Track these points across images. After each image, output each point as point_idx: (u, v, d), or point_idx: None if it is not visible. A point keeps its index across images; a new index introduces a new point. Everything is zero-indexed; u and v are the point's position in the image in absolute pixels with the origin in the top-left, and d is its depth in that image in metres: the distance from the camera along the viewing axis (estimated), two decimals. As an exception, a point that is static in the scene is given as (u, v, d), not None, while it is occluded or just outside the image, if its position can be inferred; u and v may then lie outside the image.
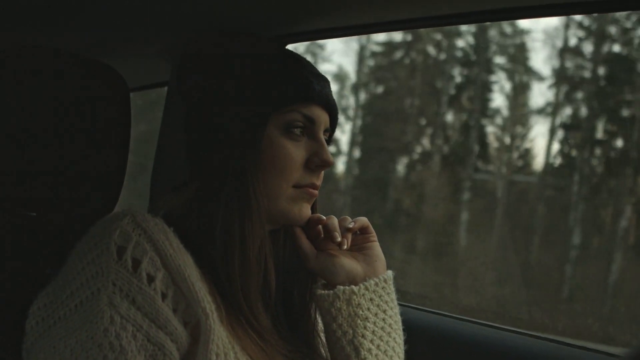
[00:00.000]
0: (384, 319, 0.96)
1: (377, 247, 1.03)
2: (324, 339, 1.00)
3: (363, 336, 0.94)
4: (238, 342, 0.86)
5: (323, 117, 0.98)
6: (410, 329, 1.02)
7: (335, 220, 1.01)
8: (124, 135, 1.11)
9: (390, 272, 1.01)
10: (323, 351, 1.01)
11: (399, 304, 1.02)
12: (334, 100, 0.99)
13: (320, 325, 1.02)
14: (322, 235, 1.01)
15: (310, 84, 0.95)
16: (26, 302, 0.83)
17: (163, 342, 0.80)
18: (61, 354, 0.77)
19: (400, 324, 1.00)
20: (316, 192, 0.98)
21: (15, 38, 1.45)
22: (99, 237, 0.82)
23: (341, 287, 0.95)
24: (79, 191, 1.07)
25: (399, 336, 0.98)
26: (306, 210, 0.98)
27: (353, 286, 0.96)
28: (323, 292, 0.96)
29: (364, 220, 1.03)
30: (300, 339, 1.00)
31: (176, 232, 0.86)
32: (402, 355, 0.98)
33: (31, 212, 1.07)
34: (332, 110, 0.99)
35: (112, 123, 1.09)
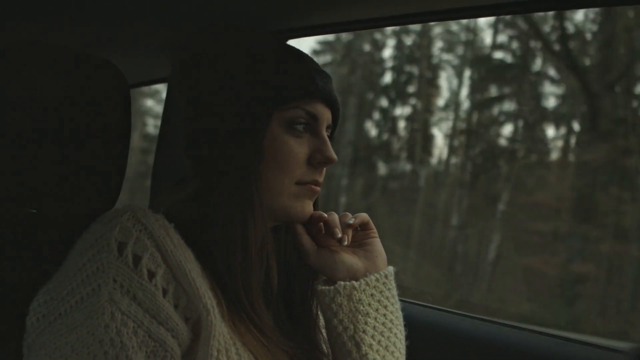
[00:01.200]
0: (385, 315, 0.96)
1: (377, 243, 1.02)
2: (325, 335, 1.00)
3: (364, 332, 0.93)
4: (239, 338, 0.86)
5: (325, 114, 0.97)
6: (411, 324, 1.02)
7: (335, 217, 1.00)
8: (124, 131, 1.10)
9: (391, 268, 1.01)
10: (324, 347, 1.01)
11: (400, 300, 1.01)
12: (335, 96, 0.99)
13: (321, 321, 1.02)
14: (323, 232, 1.00)
15: (313, 81, 0.95)
16: (27, 299, 0.83)
17: (164, 338, 0.80)
18: (62, 350, 0.77)
19: (401, 319, 1.00)
20: (318, 189, 0.97)
21: (14, 34, 1.45)
22: (99, 234, 0.82)
23: (342, 283, 0.95)
24: (79, 187, 1.07)
25: (400, 332, 0.98)
26: (308, 207, 0.97)
27: (354, 282, 0.96)
28: (324, 287, 0.96)
29: (364, 216, 1.03)
30: (302, 335, 1.00)
31: (177, 228, 0.86)
32: (403, 350, 0.98)
33: (31, 208, 1.07)
34: (334, 107, 0.99)
35: (112, 119, 1.09)
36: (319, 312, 1.02)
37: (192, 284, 0.82)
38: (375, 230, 1.03)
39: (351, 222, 1.00)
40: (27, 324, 0.82)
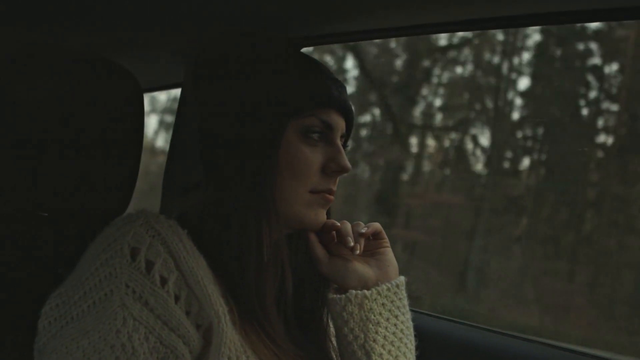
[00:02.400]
0: (395, 324, 0.96)
1: (389, 253, 1.02)
2: (335, 343, 1.00)
3: (374, 341, 0.93)
4: (250, 347, 0.86)
5: (340, 123, 0.97)
6: (422, 335, 1.01)
7: (348, 226, 1.00)
8: (137, 135, 1.10)
9: (402, 278, 1.01)
10: (334, 356, 1.01)
11: (411, 310, 1.01)
12: (350, 105, 0.99)
13: (332, 330, 1.01)
14: (336, 240, 1.00)
15: (328, 89, 0.94)
16: (39, 302, 0.83)
17: (175, 345, 0.79)
18: (73, 355, 0.77)
19: (412, 329, 0.99)
20: (332, 197, 0.97)
21: (28, 37, 1.46)
22: (112, 239, 0.82)
23: (353, 292, 0.95)
24: (92, 192, 1.07)
25: (410, 342, 0.98)
26: (322, 216, 0.97)
27: (365, 290, 0.95)
28: (335, 296, 0.96)
29: (377, 225, 1.02)
30: (312, 344, 1.00)
31: (190, 234, 0.86)
32: None
33: (43, 212, 1.07)
34: (349, 116, 0.99)
35: (124, 124, 1.09)
36: (329, 321, 1.02)
37: (204, 291, 0.82)
38: (387, 239, 1.03)
39: (364, 231, 1.00)
40: (39, 327, 0.82)
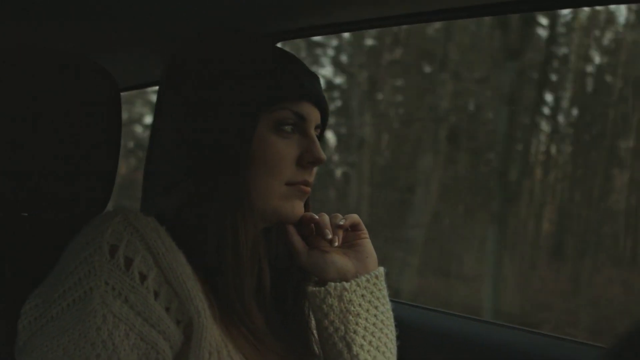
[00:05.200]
0: (375, 315, 0.97)
1: (368, 244, 1.03)
2: (317, 336, 1.00)
3: (355, 332, 0.94)
4: (231, 341, 0.86)
5: (314, 114, 0.98)
6: (403, 325, 1.02)
7: (326, 218, 1.01)
8: (115, 135, 1.11)
9: (381, 269, 1.01)
10: (316, 348, 1.02)
11: (391, 301, 1.02)
12: (324, 96, 0.99)
13: (313, 322, 1.02)
14: (314, 233, 1.01)
15: (300, 81, 0.95)
16: (19, 301, 0.83)
17: (156, 341, 0.80)
18: (54, 353, 0.77)
19: (392, 320, 1.00)
20: (309, 189, 0.97)
21: (5, 36, 1.45)
22: (91, 236, 0.82)
23: (332, 284, 0.95)
24: (70, 191, 1.07)
25: (391, 332, 0.99)
26: (299, 208, 0.98)
27: (344, 282, 0.96)
28: (314, 289, 0.96)
29: (355, 217, 1.03)
30: (293, 337, 1.00)
31: (168, 231, 0.86)
32: (394, 351, 0.99)
33: (22, 212, 1.07)
34: (322, 107, 0.99)
35: (102, 122, 1.09)
36: (310, 314, 1.03)
37: (183, 287, 0.82)
38: (365, 231, 1.04)
39: (342, 223, 1.00)
40: (19, 327, 0.81)
